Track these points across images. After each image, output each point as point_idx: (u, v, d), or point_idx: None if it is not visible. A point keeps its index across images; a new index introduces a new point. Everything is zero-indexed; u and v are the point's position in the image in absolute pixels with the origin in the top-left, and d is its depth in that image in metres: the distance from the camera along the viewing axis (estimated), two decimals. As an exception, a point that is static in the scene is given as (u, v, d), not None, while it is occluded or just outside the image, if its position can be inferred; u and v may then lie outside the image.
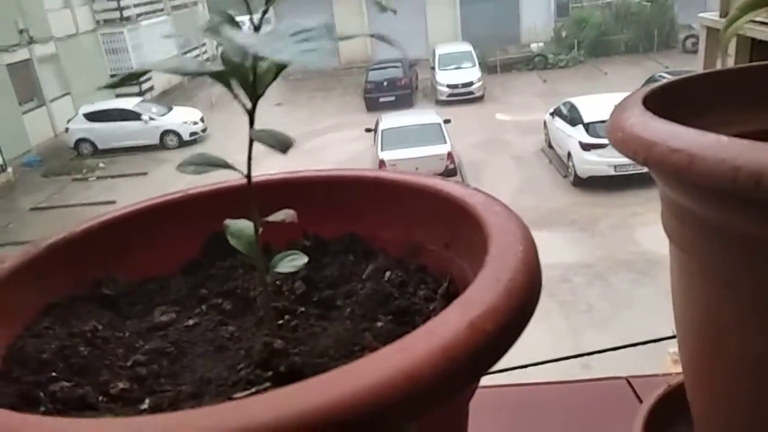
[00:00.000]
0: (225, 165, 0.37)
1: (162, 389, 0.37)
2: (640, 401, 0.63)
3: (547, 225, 8.20)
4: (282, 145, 0.33)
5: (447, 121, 10.36)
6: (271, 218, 0.39)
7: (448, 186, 0.45)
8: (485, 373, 0.28)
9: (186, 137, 13.25)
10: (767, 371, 0.36)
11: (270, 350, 0.38)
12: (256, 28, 0.36)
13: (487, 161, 10.50)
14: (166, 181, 11.02)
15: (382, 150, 9.39)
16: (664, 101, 0.49)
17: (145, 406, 0.34)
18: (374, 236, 0.50)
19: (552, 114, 10.56)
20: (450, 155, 9.30)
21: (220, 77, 0.32)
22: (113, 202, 10.32)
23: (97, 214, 0.48)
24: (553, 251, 7.27)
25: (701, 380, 0.45)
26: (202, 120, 13.59)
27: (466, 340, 0.26)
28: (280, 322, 0.42)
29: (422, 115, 10.79)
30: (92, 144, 13.07)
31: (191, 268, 0.50)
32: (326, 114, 14.41)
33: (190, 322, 0.44)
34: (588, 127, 9.28)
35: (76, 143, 13.14)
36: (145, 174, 11.69)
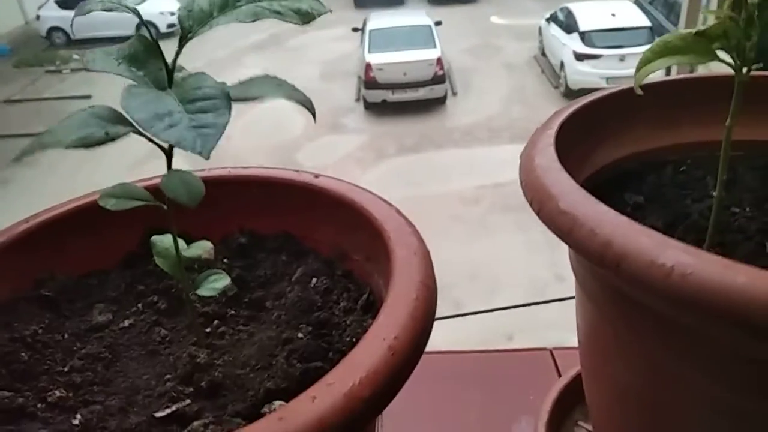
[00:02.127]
0: (147, 199, 0.39)
1: (94, 399, 0.40)
2: (559, 375, 0.69)
3: (531, 137, 8.18)
4: (191, 197, 0.34)
5: (438, 23, 10.01)
6: (187, 253, 0.41)
7: (372, 205, 0.47)
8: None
9: (163, 29, 12.67)
10: (631, 396, 0.40)
11: (193, 364, 0.42)
12: (169, 73, 0.37)
13: (477, 68, 10.27)
14: (147, 77, 10.69)
15: (368, 52, 9.12)
16: (584, 122, 0.51)
17: (76, 421, 0.38)
18: (307, 236, 0.53)
19: (548, 20, 10.22)
20: (439, 61, 9.06)
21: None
22: (89, 97, 10.05)
23: (35, 213, 0.49)
24: (536, 164, 7.29)
25: (592, 383, 0.49)
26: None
27: (343, 409, 0.29)
28: (208, 330, 0.46)
29: (412, 16, 10.39)
30: (65, 33, 12.51)
31: (131, 261, 0.53)
32: (313, 9, 13.79)
33: (126, 323, 0.47)
34: (584, 36, 9.04)
35: (48, 32, 12.57)
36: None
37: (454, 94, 9.40)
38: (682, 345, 0.35)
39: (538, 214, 0.38)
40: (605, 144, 0.53)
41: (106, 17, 12.52)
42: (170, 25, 12.81)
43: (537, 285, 5.19)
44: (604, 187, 0.53)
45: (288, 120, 9.00)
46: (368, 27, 9.67)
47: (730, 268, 0.29)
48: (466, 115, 8.90)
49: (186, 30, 0.36)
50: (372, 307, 0.46)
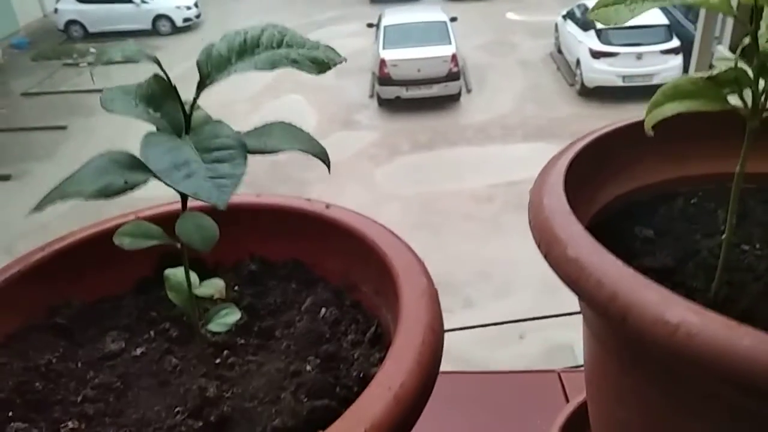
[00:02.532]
0: (161, 238, 0.39)
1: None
2: (567, 400, 0.69)
3: (546, 136, 8.14)
4: (205, 242, 0.35)
5: (453, 19, 9.96)
6: (199, 292, 0.42)
7: (382, 239, 0.47)
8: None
9: (179, 23, 12.78)
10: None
11: (203, 397, 0.43)
12: (186, 116, 0.37)
13: (492, 65, 10.22)
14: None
15: (383, 48, 9.10)
16: (595, 155, 0.51)
17: (88, 454, 0.39)
18: (317, 264, 0.53)
19: (564, 17, 10.13)
20: (454, 57, 9.02)
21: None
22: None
23: (50, 242, 0.50)
24: (549, 163, 7.26)
25: (595, 414, 0.50)
26: (196, 5, 13.04)
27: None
28: (218, 360, 0.47)
29: (428, 12, 10.35)
30: (82, 26, 12.62)
31: (144, 286, 0.54)
32: (327, 4, 13.82)
33: (138, 351, 0.48)
34: (600, 34, 8.95)
35: (66, 25, 12.68)
36: (137, 62, 11.39)
37: (469, 91, 9.36)
38: (682, 395, 0.35)
39: (545, 258, 0.39)
40: (617, 176, 0.53)
41: (122, 11, 12.65)
42: (186, 19, 12.90)
43: (549, 285, 5.16)
44: (616, 219, 0.53)
45: (301, 116, 9.02)
46: (383, 23, 9.65)
47: (734, 329, 0.29)
48: (480, 112, 8.87)
49: (204, 76, 0.36)
50: (379, 341, 0.47)
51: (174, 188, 0.29)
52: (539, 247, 0.39)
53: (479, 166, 7.67)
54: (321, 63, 0.39)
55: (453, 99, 9.06)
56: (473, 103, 9.17)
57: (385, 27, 9.50)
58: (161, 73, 0.38)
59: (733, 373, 0.28)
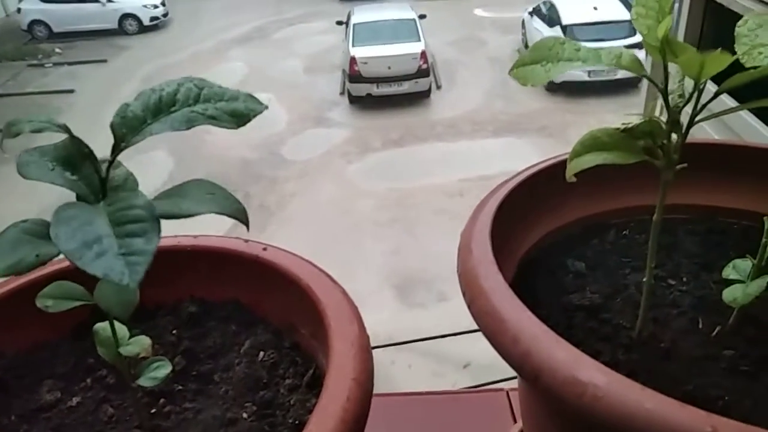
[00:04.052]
0: (85, 299, 0.39)
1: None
2: (515, 419, 0.70)
3: (515, 131, 8.23)
4: (123, 309, 0.35)
5: (422, 17, 9.98)
6: (125, 351, 0.41)
7: (316, 284, 0.47)
8: None
9: (146, 22, 12.57)
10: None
11: (136, 452, 0.42)
12: (102, 180, 0.37)
13: (461, 61, 10.27)
14: (128, 70, 10.57)
15: (353, 46, 9.07)
16: (526, 195, 0.52)
17: None
18: (256, 305, 0.54)
19: (531, 13, 10.23)
20: (423, 54, 9.04)
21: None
22: (72, 91, 9.94)
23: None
24: (520, 158, 7.33)
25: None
26: (163, 4, 12.83)
27: None
28: (153, 410, 0.46)
29: (397, 9, 10.34)
30: (47, 26, 12.32)
31: (81, 332, 0.53)
32: (296, 2, 13.70)
33: (74, 400, 0.48)
34: (565, 30, 9.07)
35: (30, 25, 12.37)
36: (104, 61, 11.18)
37: (439, 87, 9.39)
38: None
39: (468, 308, 0.39)
40: (550, 211, 0.54)
41: (88, 11, 12.37)
42: (153, 18, 12.68)
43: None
44: (550, 253, 0.54)
45: (272, 114, 8.95)
46: (352, 20, 9.62)
47: (639, 393, 0.30)
48: (450, 108, 8.90)
49: (119, 138, 0.36)
50: (318, 383, 0.47)
51: (84, 269, 0.29)
52: (464, 296, 0.40)
53: (450, 161, 7.72)
54: (240, 115, 0.38)
55: (423, 95, 9.08)
56: (443, 99, 9.21)
57: (354, 25, 9.47)
58: (78, 137, 0.37)
59: (636, 434, 0.30)
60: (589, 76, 8.77)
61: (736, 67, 0.37)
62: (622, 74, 8.56)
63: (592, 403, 0.31)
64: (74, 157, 0.37)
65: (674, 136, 0.39)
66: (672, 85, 0.37)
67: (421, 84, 8.97)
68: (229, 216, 0.36)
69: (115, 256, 0.30)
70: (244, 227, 0.38)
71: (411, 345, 4.15)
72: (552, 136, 8.29)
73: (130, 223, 0.32)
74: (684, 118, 0.40)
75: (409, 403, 0.72)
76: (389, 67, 8.80)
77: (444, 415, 0.71)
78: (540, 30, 9.62)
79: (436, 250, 5.93)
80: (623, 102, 8.60)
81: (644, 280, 0.43)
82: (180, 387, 0.49)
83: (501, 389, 0.73)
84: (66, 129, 0.35)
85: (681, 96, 0.39)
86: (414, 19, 9.65)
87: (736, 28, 0.40)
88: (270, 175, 7.51)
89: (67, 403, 0.48)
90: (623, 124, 0.40)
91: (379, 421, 0.52)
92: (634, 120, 0.38)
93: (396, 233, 6.50)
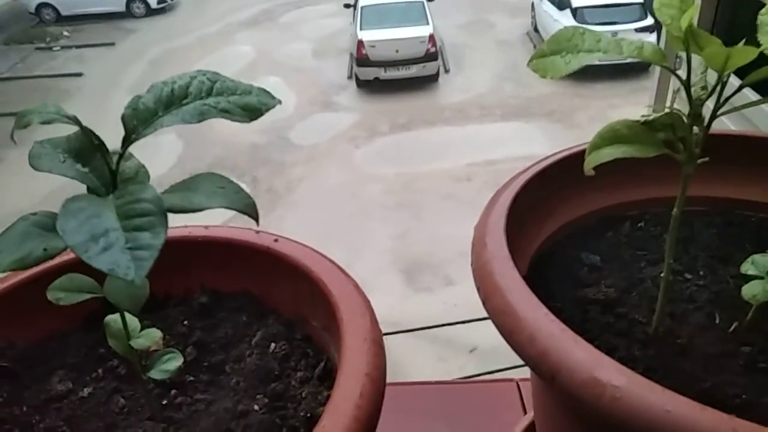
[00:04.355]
0: (95, 291, 0.39)
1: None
2: (525, 410, 0.70)
3: (524, 115, 8.16)
4: (134, 303, 0.35)
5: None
6: (136, 344, 0.41)
7: (328, 277, 0.47)
8: None
9: (154, 5, 12.51)
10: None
11: (148, 444, 0.42)
12: (112, 172, 0.36)
13: (470, 44, 10.17)
14: (135, 53, 10.55)
15: (360, 29, 9.00)
16: (540, 187, 0.51)
17: None
18: (268, 296, 0.53)
19: (540, -5, 10.11)
20: (431, 38, 8.96)
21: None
22: (80, 75, 9.93)
23: (-7, 282, 0.49)
24: (528, 142, 7.31)
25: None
26: (171, -13, 12.79)
27: None
28: (165, 401, 0.46)
29: (405, -9, 10.25)
30: (54, 9, 12.29)
31: (92, 322, 0.53)
32: (304, -17, 13.59)
33: (86, 391, 0.48)
34: (576, 12, 8.95)
35: (37, 8, 12.34)
36: (112, 44, 11.15)
37: (447, 71, 9.31)
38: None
39: (483, 305, 0.39)
40: (565, 203, 0.53)
41: (96, -6, 12.32)
42: (161, 1, 12.62)
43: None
44: (564, 246, 0.53)
45: (280, 97, 8.90)
46: (360, 3, 9.53)
47: (659, 394, 0.30)
48: (458, 92, 8.83)
49: (130, 130, 0.36)
50: (329, 376, 0.47)
51: (89, 263, 0.29)
52: (478, 292, 0.40)
53: (458, 145, 7.68)
54: (253, 109, 0.38)
55: (431, 79, 9.01)
56: (451, 83, 9.14)
57: (362, 8, 9.38)
58: (86, 127, 0.37)
59: (656, 436, 0.29)
60: (598, 59, 8.64)
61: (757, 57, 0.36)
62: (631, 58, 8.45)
63: (611, 404, 0.30)
64: (85, 149, 0.37)
65: (695, 129, 0.38)
66: (693, 77, 0.36)
67: (429, 68, 8.90)
68: (239, 211, 0.35)
69: (121, 250, 0.29)
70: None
71: (417, 331, 4.17)
72: (560, 120, 8.22)
73: (137, 216, 0.31)
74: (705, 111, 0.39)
75: (418, 392, 0.72)
76: (397, 51, 8.73)
77: (453, 405, 0.70)
78: (550, 13, 9.50)
79: (443, 234, 5.93)
80: (632, 86, 8.50)
81: (662, 275, 0.42)
82: (191, 378, 0.49)
83: (511, 379, 0.73)
84: (76, 120, 0.35)
85: (704, 88, 0.38)
86: (422, 2, 9.55)
87: (759, 17, 0.38)
88: (278, 159, 7.50)
89: (79, 393, 0.48)
90: (643, 116, 0.39)
91: (388, 409, 0.52)
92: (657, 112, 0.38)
93: (403, 217, 6.49)
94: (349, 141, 7.99)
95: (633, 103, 7.94)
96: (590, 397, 0.30)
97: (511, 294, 0.37)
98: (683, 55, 0.39)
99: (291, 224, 6.15)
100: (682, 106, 0.39)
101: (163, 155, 6.96)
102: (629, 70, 8.71)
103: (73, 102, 8.63)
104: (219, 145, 7.36)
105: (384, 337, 0.42)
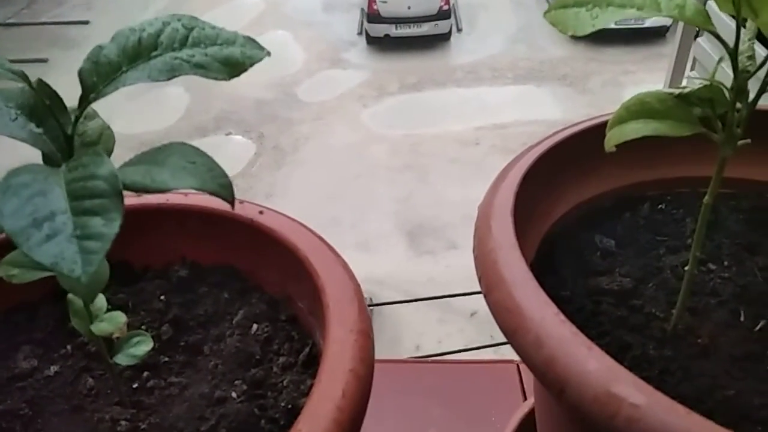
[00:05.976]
0: (46, 269, 0.35)
1: (7, 469, 0.38)
2: (524, 395, 0.66)
3: (535, 78, 8.00)
4: (90, 290, 0.30)
5: (446, -46, 9.59)
6: (96, 329, 0.37)
7: (315, 255, 0.43)
8: None
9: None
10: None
11: (114, 431, 0.39)
12: (66, 137, 0.32)
13: (484, 4, 9.89)
14: (145, 2, 10.32)
15: (372, -17, 8.77)
16: (553, 163, 0.46)
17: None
18: (252, 272, 0.49)
19: (559, -47, 9.78)
20: (445, -6, 8.72)
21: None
22: (87, 23, 9.75)
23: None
24: (539, 107, 7.18)
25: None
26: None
27: None
28: (136, 385, 0.43)
29: (419, -55, 9.93)
30: (60, -47, 12.03)
31: (63, 292, 0.49)
32: (316, -66, 13.19)
33: (52, 369, 0.44)
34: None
35: (43, -49, 12.08)
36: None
37: (459, 30, 9.09)
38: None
39: (485, 298, 0.35)
40: (579, 182, 0.48)
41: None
42: (167, -52, 12.31)
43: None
44: (577, 227, 0.49)
45: (288, 53, 8.74)
46: (372, -44, 9.26)
47: (683, 418, 0.26)
48: (470, 53, 8.63)
49: (88, 88, 0.31)
50: (314, 362, 0.43)
51: (30, 256, 0.24)
52: (479, 282, 0.35)
53: (468, 108, 7.55)
54: (235, 63, 0.33)
55: (443, 38, 8.81)
56: (463, 43, 8.93)
57: (374, -39, 9.11)
58: (43, 80, 0.32)
59: (676, 463, 0.25)
60: (615, 23, 8.42)
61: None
62: (650, 23, 8.22)
63: (627, 425, 0.26)
64: (40, 107, 0.32)
65: (739, 105, 0.33)
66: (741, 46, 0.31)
67: (441, 26, 8.69)
68: (211, 193, 0.31)
69: (68, 239, 0.25)
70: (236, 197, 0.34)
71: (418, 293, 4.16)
72: (572, 85, 8.05)
73: (89, 198, 0.26)
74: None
75: (414, 371, 0.68)
76: (409, 7, 8.50)
77: (449, 386, 0.67)
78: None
79: (448, 198, 5.88)
80: (649, 52, 8.29)
81: (685, 268, 0.38)
82: (166, 359, 0.45)
83: (512, 361, 0.69)
84: (23, 76, 0.30)
85: (750, 57, 0.32)
86: (437, -43, 9.26)
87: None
88: (285, 116, 7.40)
89: (45, 372, 0.44)
90: (677, 88, 0.34)
91: (383, 387, 0.48)
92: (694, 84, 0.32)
93: (409, 180, 6.43)
94: (358, 100, 7.86)
95: (648, 69, 7.74)
96: (603, 415, 0.26)
97: (517, 288, 0.32)
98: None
99: (296, 181, 6.10)
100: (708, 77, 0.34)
101: (171, 107, 6.87)
102: (647, 36, 8.47)
103: (80, 50, 8.48)
104: (226, 99, 7.25)
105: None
